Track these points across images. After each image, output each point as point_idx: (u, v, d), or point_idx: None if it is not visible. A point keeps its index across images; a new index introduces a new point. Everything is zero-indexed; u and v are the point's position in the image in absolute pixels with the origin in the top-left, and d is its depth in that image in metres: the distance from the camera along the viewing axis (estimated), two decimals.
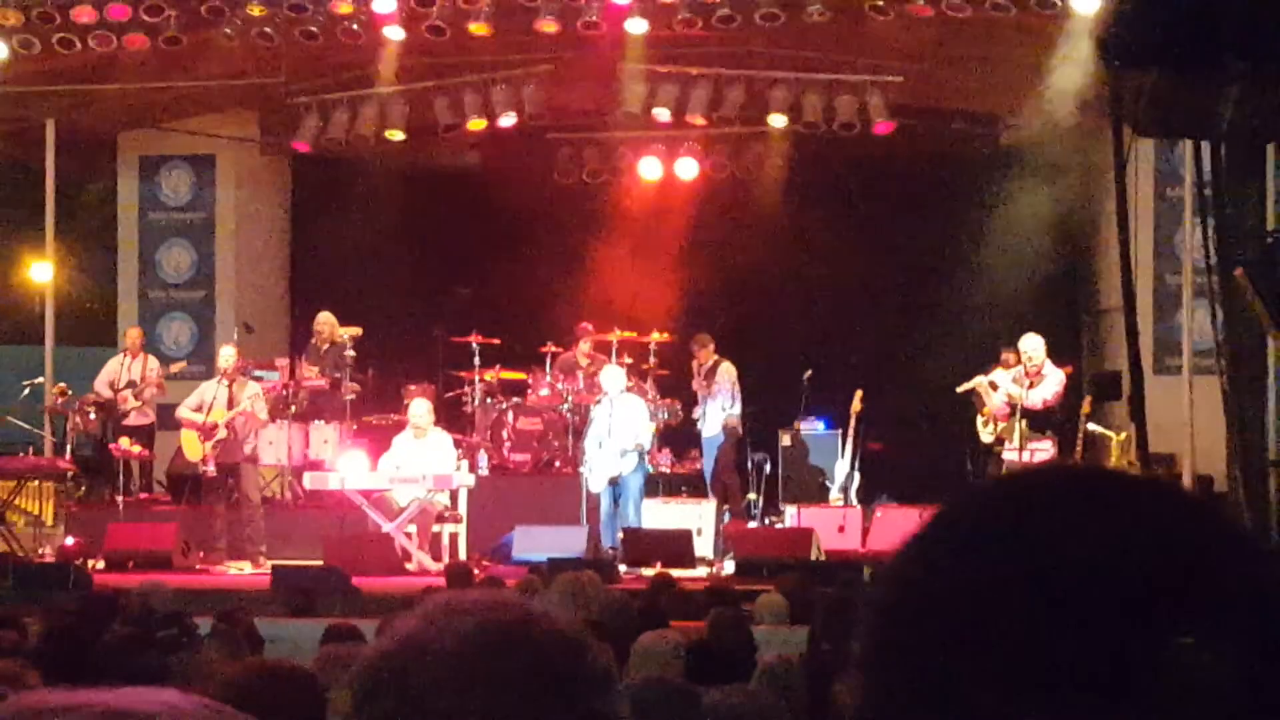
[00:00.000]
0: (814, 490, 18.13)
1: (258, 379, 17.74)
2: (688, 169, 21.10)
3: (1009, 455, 16.27)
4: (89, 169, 21.63)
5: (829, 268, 19.87)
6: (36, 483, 17.11)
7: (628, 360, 18.66)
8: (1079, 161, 19.51)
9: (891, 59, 18.55)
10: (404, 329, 20.29)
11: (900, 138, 19.41)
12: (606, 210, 21.26)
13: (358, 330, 18.75)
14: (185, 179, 21.50)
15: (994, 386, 16.67)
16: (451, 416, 18.76)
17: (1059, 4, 15.96)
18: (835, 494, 18.06)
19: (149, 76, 18.79)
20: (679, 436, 19.04)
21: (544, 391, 18.71)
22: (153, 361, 18.99)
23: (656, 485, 18.01)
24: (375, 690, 1.43)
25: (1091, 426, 16.55)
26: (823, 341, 19.54)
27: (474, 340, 18.91)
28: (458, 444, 17.35)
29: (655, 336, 19.14)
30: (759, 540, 16.80)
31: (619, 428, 16.83)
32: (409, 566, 15.92)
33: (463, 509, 16.59)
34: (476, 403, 18.79)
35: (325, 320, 18.85)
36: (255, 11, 17.49)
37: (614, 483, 16.88)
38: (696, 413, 18.67)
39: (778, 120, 19.26)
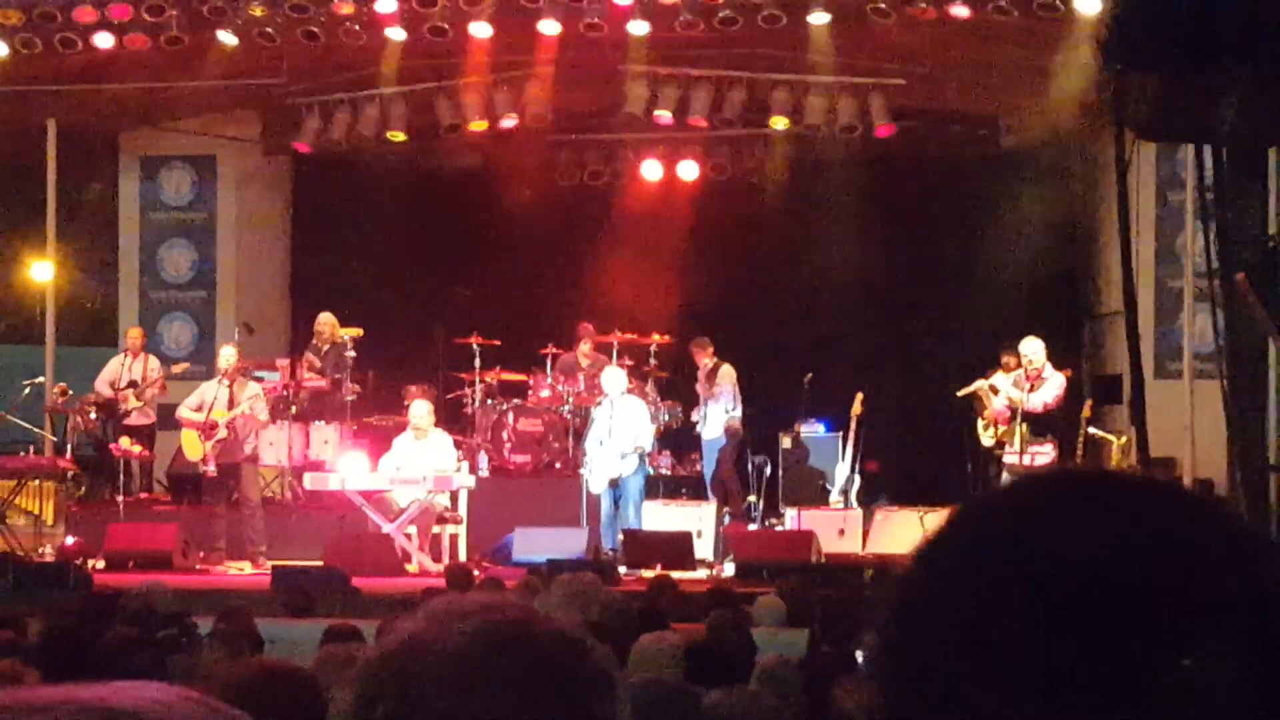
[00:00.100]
0: (814, 493, 18.12)
1: (258, 379, 17.74)
2: (689, 171, 21.11)
3: (1010, 459, 16.27)
4: (90, 169, 21.63)
5: (830, 270, 19.87)
6: (37, 482, 17.09)
7: (628, 362, 18.66)
8: (1080, 165, 19.53)
9: (893, 62, 18.55)
10: (405, 330, 20.30)
11: (901, 140, 19.42)
12: (607, 212, 21.27)
13: (358, 331, 18.75)
14: (186, 179, 21.51)
15: (994, 390, 16.67)
16: (452, 417, 18.76)
17: (1061, 7, 15.96)
18: (835, 496, 18.05)
19: (150, 76, 18.80)
20: (679, 438, 19.04)
21: (544, 393, 18.70)
22: (154, 361, 18.99)
23: (657, 487, 18.01)
24: (375, 691, 1.43)
25: (1092, 430, 16.56)
26: (823, 344, 19.53)
27: (474, 341, 18.91)
28: (458, 445, 17.34)
29: (656, 338, 19.13)
30: (759, 542, 16.80)
31: (619, 429, 16.84)
32: (409, 567, 15.92)
33: (463, 510, 16.59)
34: (477, 404, 18.78)
35: (326, 321, 18.85)
36: (257, 12, 17.50)
37: (614, 484, 16.88)
38: (695, 415, 18.66)
39: (779, 122, 19.26)
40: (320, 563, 15.27)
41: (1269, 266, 7.65)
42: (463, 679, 1.41)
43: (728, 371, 18.58)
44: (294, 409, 18.41)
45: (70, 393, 18.89)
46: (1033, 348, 16.41)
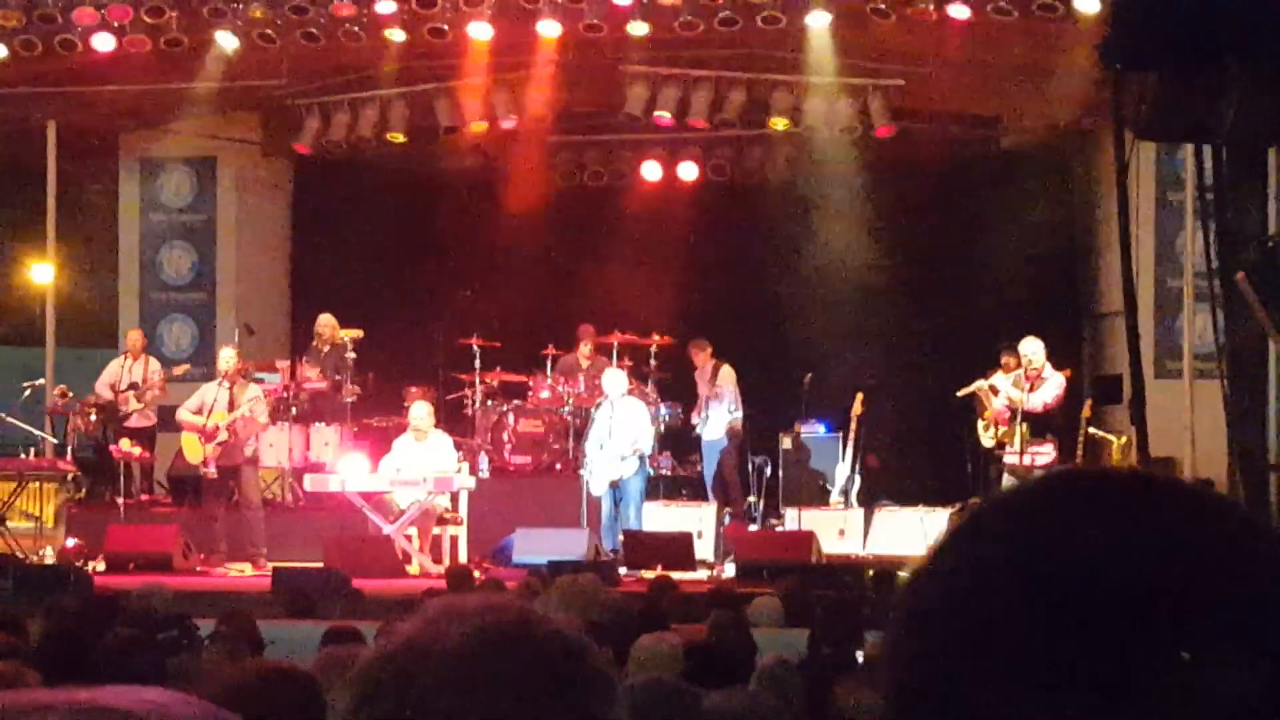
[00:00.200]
0: (814, 493, 18.13)
1: (258, 381, 17.74)
2: (689, 171, 21.12)
3: (1010, 459, 16.27)
4: (90, 171, 21.63)
5: (829, 271, 19.89)
6: (37, 484, 17.09)
7: (628, 362, 18.66)
8: (1080, 165, 19.53)
9: (892, 62, 18.56)
10: (405, 331, 20.29)
11: (901, 141, 19.42)
12: (607, 213, 21.28)
13: (358, 332, 18.74)
14: (186, 181, 21.52)
15: (994, 390, 16.67)
16: (452, 419, 18.76)
17: (1060, 7, 15.96)
18: (835, 497, 18.06)
19: (150, 78, 18.80)
20: (679, 439, 19.04)
21: (545, 394, 18.70)
22: (154, 363, 18.99)
23: (657, 488, 18.02)
24: (374, 692, 1.43)
25: (1092, 430, 16.56)
26: (823, 344, 19.53)
27: (475, 342, 18.91)
28: (458, 446, 17.34)
29: (656, 339, 19.13)
30: (759, 543, 16.81)
31: (620, 431, 16.84)
32: (409, 569, 15.91)
33: (463, 511, 16.59)
34: (477, 405, 18.78)
35: (326, 322, 18.84)
36: (256, 14, 17.50)
37: (614, 486, 16.89)
38: (695, 417, 18.66)
39: (779, 123, 19.26)
40: (320, 564, 15.26)
41: (1269, 266, 7.65)
42: (461, 680, 1.41)
43: (728, 372, 18.60)
44: (294, 410, 18.41)
45: (70, 395, 18.89)
46: (1032, 348, 16.40)
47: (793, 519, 17.31)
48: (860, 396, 18.12)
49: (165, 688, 1.34)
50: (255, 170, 21.56)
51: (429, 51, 18.36)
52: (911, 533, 16.79)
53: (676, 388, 19.14)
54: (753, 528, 17.95)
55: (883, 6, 16.62)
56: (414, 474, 16.34)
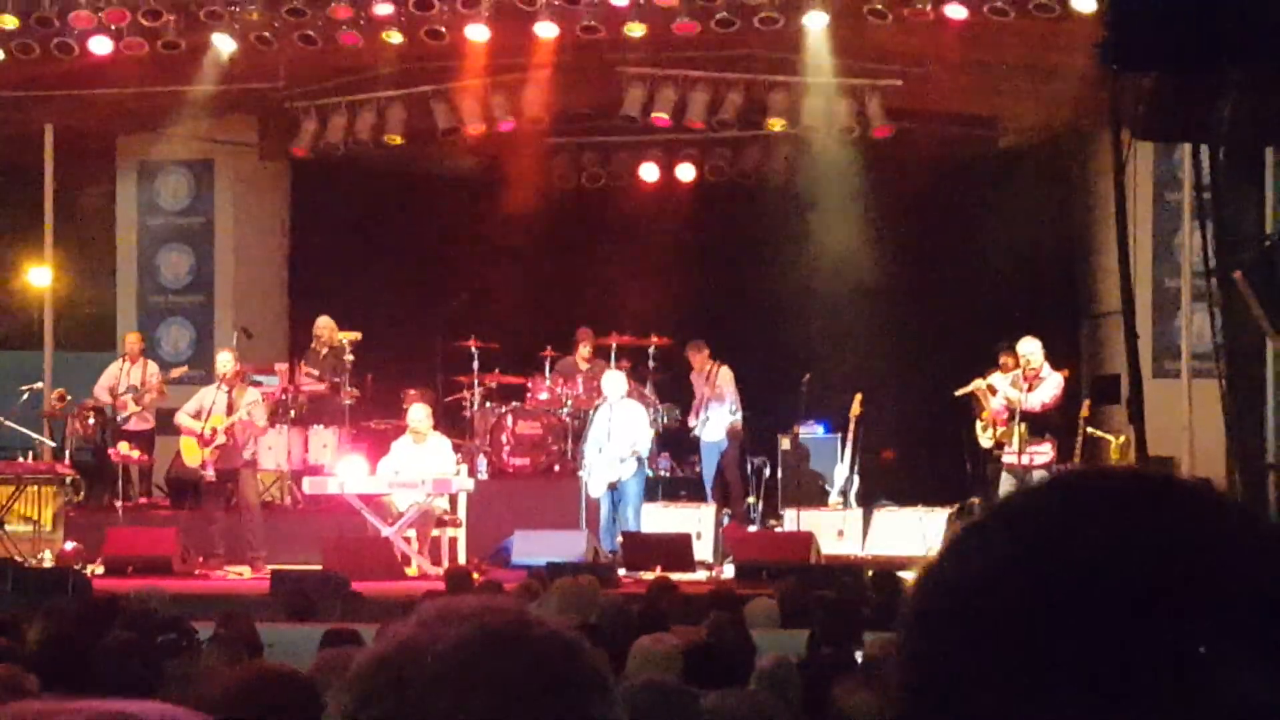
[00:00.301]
0: (813, 494, 18.14)
1: (256, 384, 17.75)
2: (686, 173, 21.13)
3: (1008, 459, 16.27)
4: (87, 174, 21.63)
5: (828, 271, 19.89)
6: (36, 488, 17.11)
7: (626, 364, 18.67)
8: (1077, 165, 19.53)
9: (890, 63, 18.56)
10: (403, 333, 20.28)
11: (899, 141, 19.43)
12: (605, 214, 21.29)
13: (357, 335, 18.75)
14: (184, 184, 21.52)
15: (992, 390, 16.67)
16: (451, 421, 18.76)
17: (1057, 8, 15.96)
18: (834, 498, 18.07)
19: (147, 81, 18.80)
20: (678, 441, 19.05)
21: (543, 395, 18.70)
22: (152, 366, 18.98)
23: (656, 489, 18.02)
24: (371, 693, 1.43)
25: (1090, 430, 16.56)
26: (822, 345, 19.54)
27: (473, 344, 18.92)
28: (457, 448, 17.34)
29: (654, 340, 19.13)
30: (758, 544, 16.81)
31: (618, 433, 16.84)
32: (408, 571, 15.91)
33: (462, 513, 16.59)
34: (476, 407, 18.79)
35: (324, 325, 18.84)
36: (253, 16, 17.50)
37: (613, 487, 16.89)
38: (694, 419, 18.66)
39: (776, 124, 19.27)
40: (319, 566, 15.27)
41: (1266, 265, 7.65)
42: (458, 681, 1.41)
43: (727, 374, 18.62)
44: (292, 413, 18.42)
45: (69, 398, 18.89)
46: (1030, 348, 16.40)
47: (791, 520, 17.32)
48: (859, 397, 18.13)
49: (164, 692, 1.35)
50: (253, 173, 21.56)
51: (426, 54, 18.35)
52: (910, 533, 16.80)
53: (675, 389, 19.14)
54: (751, 529, 17.95)
55: (880, 7, 16.62)
56: (412, 476, 16.34)
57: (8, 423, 18.45)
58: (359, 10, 17.45)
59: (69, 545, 16.72)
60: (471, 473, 17.17)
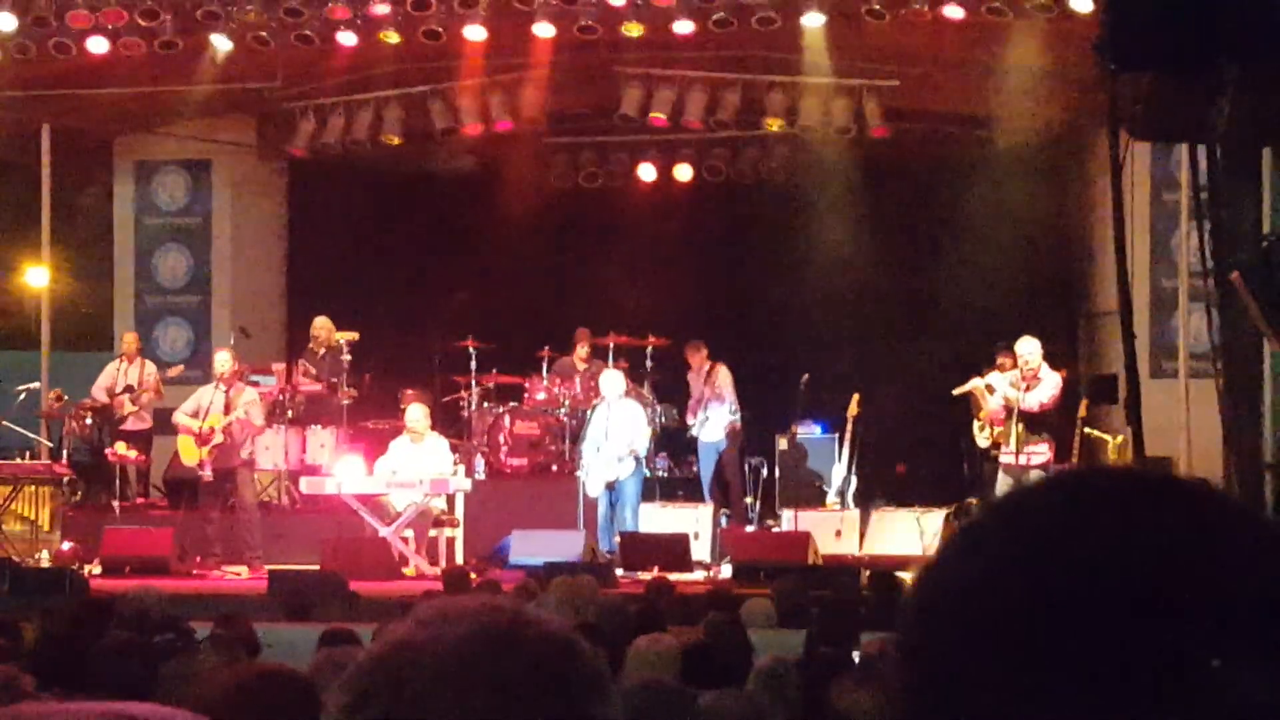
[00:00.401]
0: (811, 494, 18.13)
1: (254, 384, 17.75)
2: (684, 173, 21.12)
3: (1005, 459, 16.27)
4: (85, 174, 21.63)
5: (825, 271, 19.89)
6: (33, 488, 17.11)
7: (624, 364, 18.67)
8: (1075, 165, 19.54)
9: (887, 63, 18.56)
10: (401, 333, 20.29)
11: (896, 141, 19.43)
12: (603, 214, 21.29)
13: (354, 335, 18.75)
14: (181, 184, 21.51)
15: (990, 389, 16.67)
16: (448, 421, 18.76)
17: (1054, 7, 15.97)
18: (832, 498, 18.06)
19: (144, 81, 18.80)
20: (676, 440, 19.05)
21: (541, 396, 18.71)
22: (150, 366, 18.98)
23: (653, 489, 18.02)
24: (369, 693, 1.43)
25: (1088, 430, 16.56)
26: (819, 345, 19.54)
27: (471, 344, 18.92)
28: (454, 448, 17.34)
29: (652, 340, 19.13)
30: (756, 544, 16.80)
31: (616, 432, 16.84)
32: (406, 571, 15.92)
33: (459, 513, 16.60)
34: (473, 407, 18.79)
35: (322, 325, 18.85)
36: (250, 16, 17.49)
37: (611, 487, 16.89)
38: (692, 419, 18.66)
39: (774, 124, 19.27)
40: (317, 567, 15.28)
41: (1264, 265, 7.64)
42: (455, 681, 1.41)
43: (726, 373, 18.61)
44: (290, 413, 18.42)
45: (66, 398, 18.89)
46: (1029, 348, 16.39)
47: (789, 520, 17.31)
48: (856, 397, 18.12)
49: (161, 692, 1.35)
50: (250, 173, 21.56)
51: (424, 54, 18.35)
52: (908, 533, 16.80)
53: (672, 389, 19.14)
54: (749, 529, 17.95)
55: (877, 7, 16.62)
56: (410, 476, 16.34)
57: (5, 423, 18.46)
58: (356, 10, 17.45)
59: (66, 545, 16.72)
60: (469, 473, 17.18)
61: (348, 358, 18.41)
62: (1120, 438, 16.01)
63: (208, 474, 16.68)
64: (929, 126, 20.14)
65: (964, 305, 19.43)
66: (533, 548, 15.80)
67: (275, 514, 17.87)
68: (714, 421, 18.50)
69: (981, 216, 19.47)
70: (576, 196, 21.58)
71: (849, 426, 18.07)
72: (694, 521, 17.20)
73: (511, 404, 18.78)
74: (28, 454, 18.36)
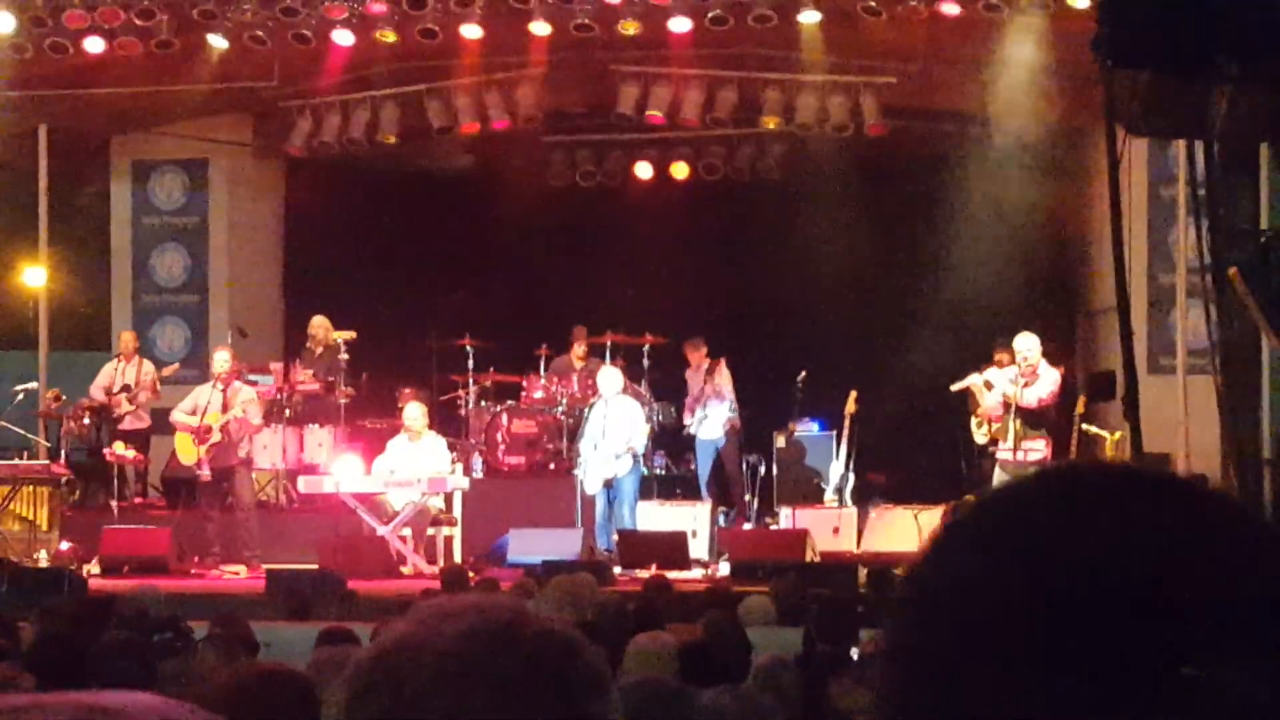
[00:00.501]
0: (808, 492, 18.13)
1: (252, 383, 17.75)
2: (681, 171, 21.12)
3: (1003, 455, 16.27)
4: (82, 173, 21.61)
5: (822, 269, 19.87)
6: (31, 488, 17.10)
7: (621, 362, 18.66)
8: (1072, 161, 19.52)
9: (884, 60, 18.55)
10: (398, 332, 20.28)
11: (893, 139, 19.42)
12: (600, 212, 21.28)
13: (352, 334, 18.75)
14: (178, 183, 21.50)
15: (989, 386, 16.66)
16: (446, 420, 18.76)
17: (1051, 4, 15.96)
18: (830, 495, 18.05)
19: (141, 81, 18.78)
20: (674, 438, 19.04)
21: (538, 394, 18.70)
22: (147, 365, 18.97)
23: (651, 487, 18.02)
24: (368, 691, 1.43)
25: (1085, 426, 16.56)
26: (817, 342, 19.52)
27: (468, 343, 18.92)
28: (452, 447, 17.34)
29: (649, 338, 19.13)
30: (754, 542, 16.80)
31: (614, 430, 16.84)
32: (404, 570, 15.92)
33: (457, 512, 16.60)
34: (471, 406, 18.79)
35: (319, 324, 18.84)
36: (247, 16, 17.48)
37: (609, 485, 16.89)
38: (689, 417, 18.65)
39: (771, 122, 19.26)
40: (315, 566, 15.27)
41: (1261, 261, 7.65)
42: (454, 679, 1.41)
43: (726, 371, 18.60)
44: (288, 412, 18.41)
45: (64, 398, 18.88)
46: (1027, 344, 16.38)
47: (787, 518, 17.32)
48: (854, 394, 18.11)
49: (159, 691, 1.35)
50: (247, 172, 21.54)
51: (420, 52, 18.34)
52: (906, 530, 16.80)
53: (670, 387, 19.14)
54: (747, 526, 17.95)
55: (874, 4, 16.62)
56: (408, 475, 16.34)
57: (3, 423, 18.45)
58: (353, 9, 17.45)
59: (65, 545, 16.72)
60: (467, 471, 17.19)
61: (345, 357, 18.41)
62: (1118, 434, 16.00)
63: (205, 473, 16.67)
64: (926, 124, 20.13)
65: (961, 302, 19.41)
66: (530, 546, 15.80)
67: (273, 513, 17.86)
68: (713, 419, 18.49)
69: (979, 213, 19.46)
70: (573, 195, 21.57)
71: (846, 424, 18.06)
72: (692, 519, 17.20)
73: (509, 402, 18.78)
74: (26, 454, 18.35)
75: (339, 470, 16.86)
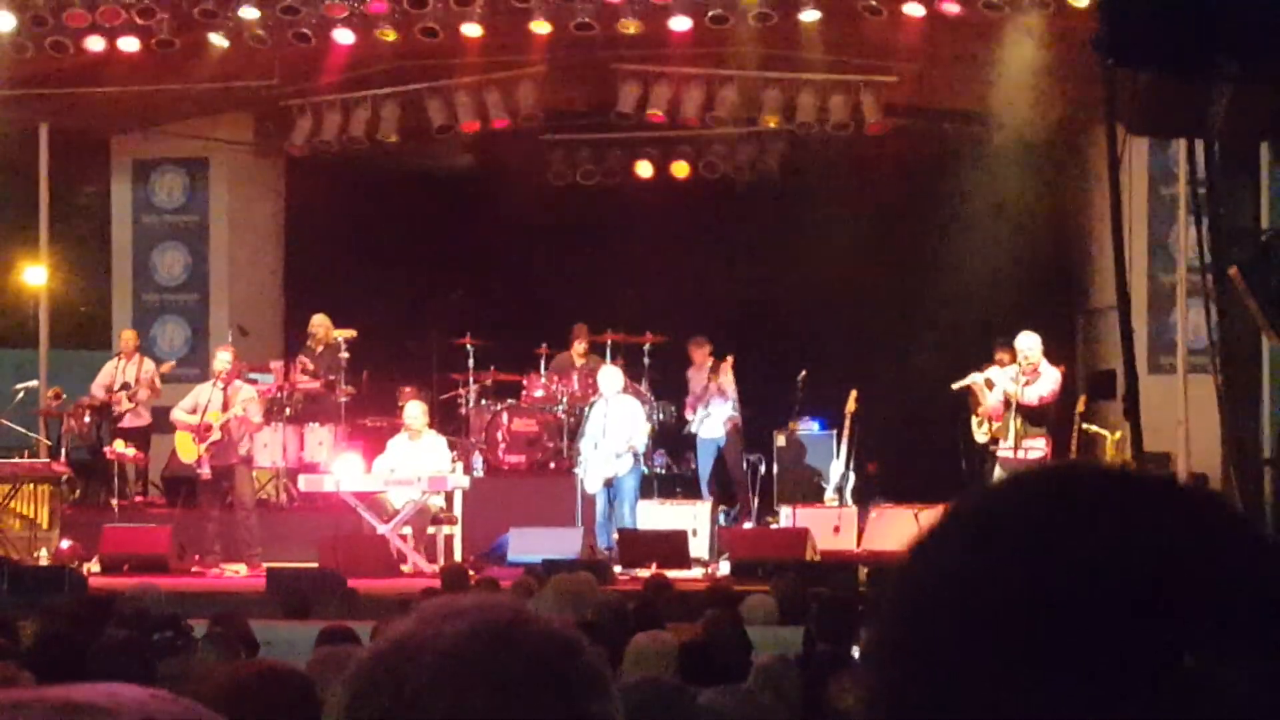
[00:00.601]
0: (809, 491, 18.13)
1: (252, 382, 17.75)
2: (681, 170, 21.12)
3: (1003, 453, 16.27)
4: (83, 172, 21.62)
5: (822, 267, 19.86)
6: (32, 486, 17.10)
7: (621, 361, 18.66)
8: (1072, 160, 19.52)
9: (884, 59, 18.55)
10: (399, 331, 20.28)
11: (894, 137, 19.42)
12: (600, 211, 21.28)
13: (352, 333, 18.75)
14: (179, 182, 21.50)
15: (990, 384, 16.67)
16: (446, 418, 18.77)
17: (1051, 3, 15.96)
18: (830, 494, 18.04)
19: (142, 79, 18.78)
20: (675, 437, 19.04)
21: (539, 393, 18.71)
22: (148, 363, 18.98)
23: (651, 486, 18.02)
24: (368, 691, 1.43)
25: (1086, 425, 16.57)
26: (817, 341, 19.52)
27: (468, 342, 18.92)
28: (452, 446, 17.34)
29: (650, 337, 19.13)
30: (754, 541, 16.80)
31: (614, 429, 16.83)
32: (404, 568, 15.92)
33: (458, 511, 16.59)
34: (471, 404, 18.79)
35: (320, 322, 18.84)
36: (248, 15, 17.48)
37: (609, 484, 16.89)
38: (691, 415, 18.64)
39: (771, 121, 19.26)
40: (315, 564, 15.27)
41: (1262, 260, 7.64)
42: (455, 678, 1.41)
43: (730, 370, 18.59)
44: (288, 411, 18.41)
45: (64, 396, 18.88)
46: (1029, 342, 16.40)
47: (787, 517, 17.32)
48: (854, 393, 18.11)
49: (155, 688, 1.34)
50: (248, 171, 21.54)
51: (421, 51, 18.35)
52: (906, 529, 16.77)
53: (670, 385, 19.14)
54: (747, 525, 17.95)
55: (874, 3, 16.62)
56: (408, 474, 16.34)
57: (4, 421, 18.45)
58: (353, 8, 17.44)
59: (65, 543, 16.72)
60: (467, 470, 17.18)
61: (346, 355, 18.41)
62: (1118, 433, 16.01)
63: (206, 472, 16.67)
64: (926, 122, 20.13)
65: (962, 301, 19.39)
66: (531, 545, 15.80)
67: (273, 512, 17.86)
68: (714, 418, 18.48)
69: (979, 212, 19.45)
70: (574, 194, 21.57)
71: (847, 423, 18.06)
72: (692, 518, 17.20)
73: (509, 401, 18.78)
74: (26, 452, 18.36)
75: (339, 469, 16.86)
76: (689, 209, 20.95)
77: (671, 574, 13.99)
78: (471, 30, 17.59)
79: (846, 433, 18.06)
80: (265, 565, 15.92)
